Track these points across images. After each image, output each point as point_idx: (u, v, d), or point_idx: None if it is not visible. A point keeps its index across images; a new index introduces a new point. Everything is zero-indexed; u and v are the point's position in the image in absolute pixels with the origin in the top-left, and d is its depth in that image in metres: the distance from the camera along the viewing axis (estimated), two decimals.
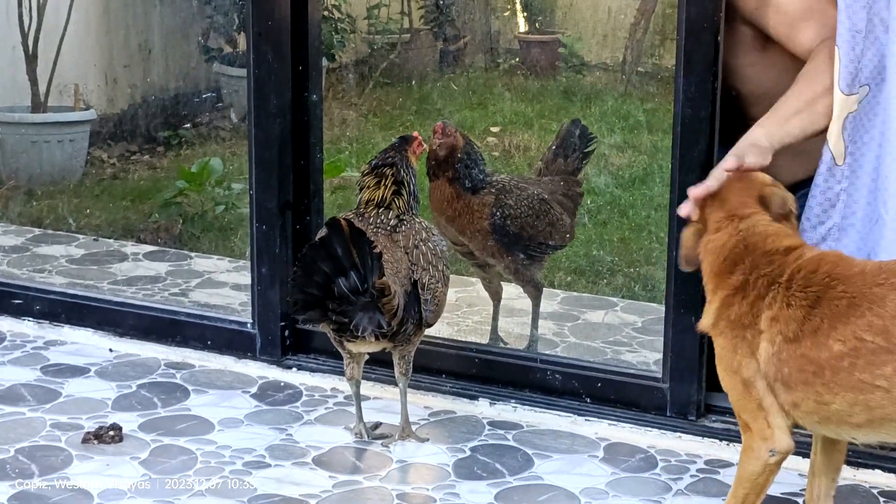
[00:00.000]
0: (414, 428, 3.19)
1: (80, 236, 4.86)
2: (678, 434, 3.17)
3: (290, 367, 3.56)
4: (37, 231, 4.93)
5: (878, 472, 2.98)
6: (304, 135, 3.53)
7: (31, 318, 3.88)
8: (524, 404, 3.33)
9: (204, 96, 6.16)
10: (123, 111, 5.93)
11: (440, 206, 3.57)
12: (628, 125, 5.30)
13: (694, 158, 3.08)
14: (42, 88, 5.52)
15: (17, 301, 3.91)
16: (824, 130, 2.90)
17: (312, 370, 3.54)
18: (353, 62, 6.46)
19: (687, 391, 3.18)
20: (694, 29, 3.02)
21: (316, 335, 3.50)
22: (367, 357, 3.18)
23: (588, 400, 3.30)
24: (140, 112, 5.93)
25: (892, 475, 2.98)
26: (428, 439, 3.16)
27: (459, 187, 3.54)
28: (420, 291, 3.04)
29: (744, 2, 3.07)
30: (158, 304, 3.96)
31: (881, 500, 2.90)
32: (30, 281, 4.21)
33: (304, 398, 3.41)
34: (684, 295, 3.14)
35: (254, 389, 3.46)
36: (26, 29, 5.43)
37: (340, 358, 3.15)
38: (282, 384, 3.49)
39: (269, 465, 3.02)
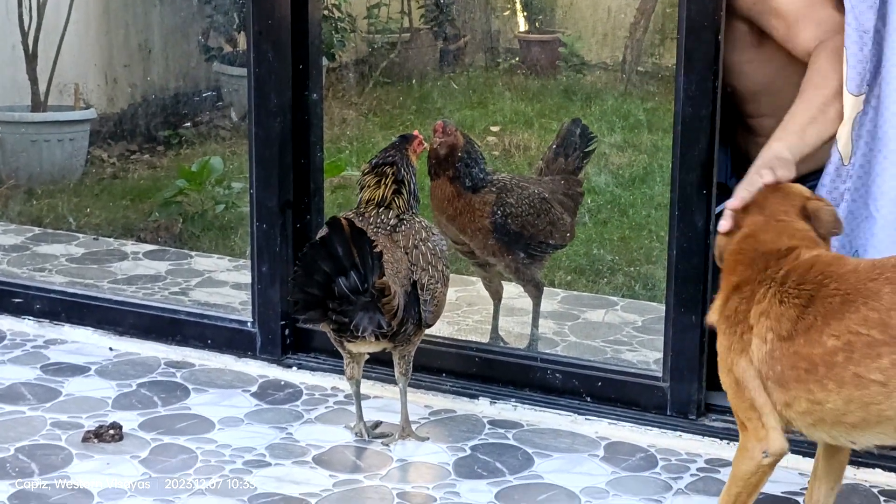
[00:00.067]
0: (414, 427, 3.19)
1: (81, 235, 4.86)
2: (678, 433, 3.17)
3: (290, 366, 3.56)
4: (37, 230, 4.93)
5: (878, 471, 2.98)
6: (305, 134, 3.53)
7: (31, 317, 3.87)
8: (524, 403, 3.33)
9: (204, 95, 6.16)
10: (123, 110, 5.93)
11: (441, 205, 3.57)
12: (628, 124, 5.30)
13: (694, 157, 3.08)
14: (42, 88, 5.52)
15: (17, 300, 3.90)
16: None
17: (313, 369, 3.54)
18: (353, 61, 6.46)
19: (687, 390, 3.18)
20: (694, 27, 3.02)
21: (316, 334, 3.50)
22: (367, 357, 3.18)
23: (588, 399, 3.30)
24: (140, 111, 5.93)
25: (892, 474, 2.98)
26: (428, 438, 3.16)
27: (460, 186, 3.54)
28: (419, 292, 3.04)
29: None
30: (158, 302, 3.96)
31: (881, 499, 2.90)
32: (30, 280, 4.21)
33: (304, 397, 3.41)
34: (685, 294, 3.13)
35: (254, 388, 3.46)
36: (26, 28, 5.43)
37: (341, 357, 3.15)
38: (282, 383, 3.49)
39: (270, 464, 3.01)
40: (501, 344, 3.77)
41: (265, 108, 3.49)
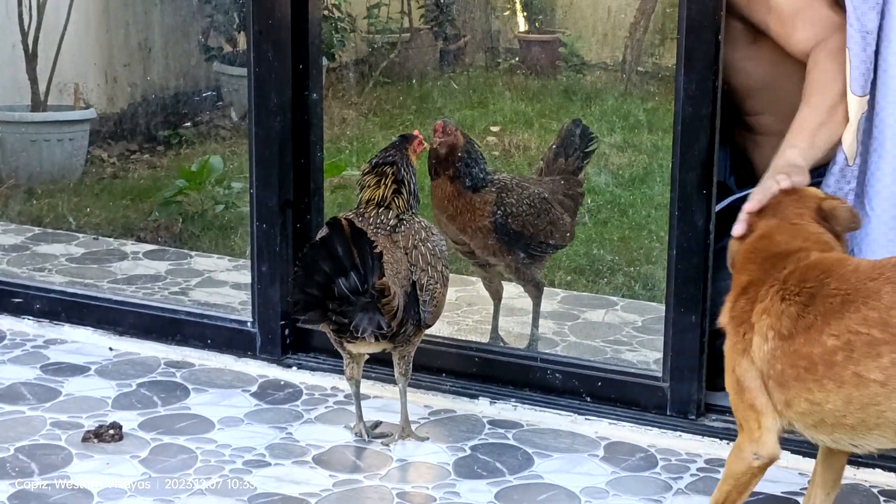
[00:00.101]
0: (414, 427, 3.19)
1: (80, 235, 4.86)
2: (678, 433, 3.17)
3: (290, 366, 3.56)
4: (37, 230, 4.93)
5: (878, 471, 2.98)
6: (305, 133, 3.53)
7: (30, 317, 3.87)
8: (524, 403, 3.32)
9: (204, 95, 6.15)
10: (123, 110, 5.93)
11: (441, 205, 3.57)
12: (628, 124, 5.30)
13: (694, 157, 3.08)
14: (42, 87, 5.52)
15: (16, 300, 3.90)
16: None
17: (312, 369, 3.54)
18: (353, 61, 6.45)
19: (687, 390, 3.18)
20: (694, 27, 3.02)
21: (316, 334, 3.50)
22: (366, 357, 3.18)
23: (588, 399, 3.30)
24: (140, 111, 5.93)
25: (892, 474, 2.98)
26: (428, 438, 3.16)
27: (460, 185, 3.54)
28: (418, 292, 3.04)
29: None
30: (158, 302, 3.96)
31: (881, 499, 2.90)
32: (30, 279, 4.21)
33: (304, 397, 3.41)
34: (684, 294, 3.13)
35: (254, 388, 3.45)
36: (26, 27, 5.42)
37: (340, 357, 3.15)
38: (282, 383, 3.49)
39: (269, 464, 3.01)
40: (501, 344, 3.76)
41: (265, 108, 3.49)
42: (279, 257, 3.53)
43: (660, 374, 3.24)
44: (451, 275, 3.22)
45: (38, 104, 5.51)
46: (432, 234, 3.17)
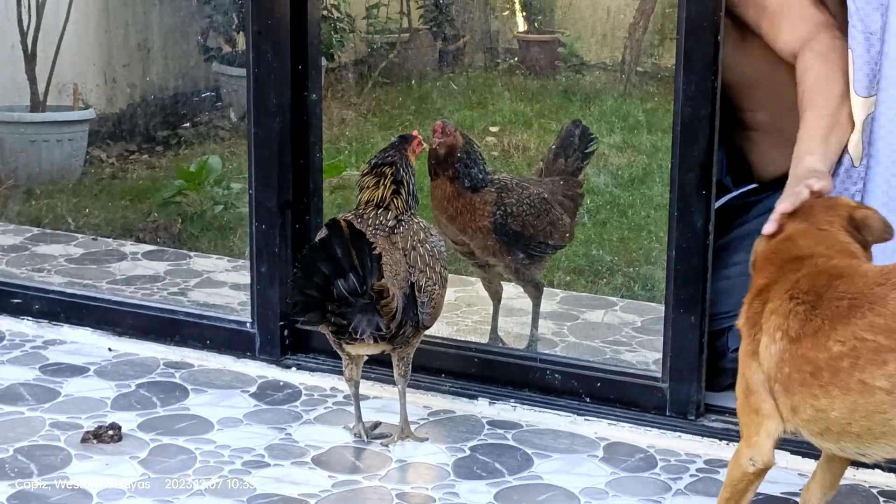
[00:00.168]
0: (413, 427, 3.19)
1: (79, 235, 4.86)
2: (678, 434, 3.17)
3: (289, 367, 3.56)
4: (35, 230, 4.92)
5: (877, 471, 2.98)
6: (304, 134, 3.52)
7: (29, 318, 3.87)
8: (524, 404, 3.32)
9: (203, 95, 6.15)
10: (122, 110, 5.92)
11: (441, 205, 3.57)
12: (628, 125, 5.30)
13: (694, 157, 3.07)
14: (41, 87, 5.51)
15: (15, 300, 3.90)
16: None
17: (312, 369, 3.54)
18: (352, 62, 6.45)
19: (686, 391, 3.18)
20: (694, 27, 3.02)
21: (315, 334, 3.49)
22: (365, 358, 3.18)
23: (587, 399, 3.30)
24: (139, 111, 5.92)
25: (892, 475, 2.98)
26: (427, 439, 3.16)
27: (460, 186, 3.54)
28: (416, 294, 3.04)
29: None
30: (157, 303, 3.96)
31: (881, 499, 2.90)
32: (28, 280, 4.21)
33: (303, 397, 3.40)
34: (684, 294, 3.13)
35: (253, 389, 3.45)
36: (25, 28, 5.42)
37: (340, 357, 3.15)
38: (281, 383, 3.49)
39: (269, 465, 3.01)
40: (501, 344, 3.76)
41: (264, 109, 3.48)
42: (278, 258, 3.53)
43: (659, 375, 3.23)
44: (450, 275, 3.22)
45: (37, 104, 5.51)
46: (431, 234, 3.17)
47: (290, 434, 3.18)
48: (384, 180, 3.17)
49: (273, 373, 3.54)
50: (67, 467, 2.97)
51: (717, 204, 3.20)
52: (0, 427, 3.17)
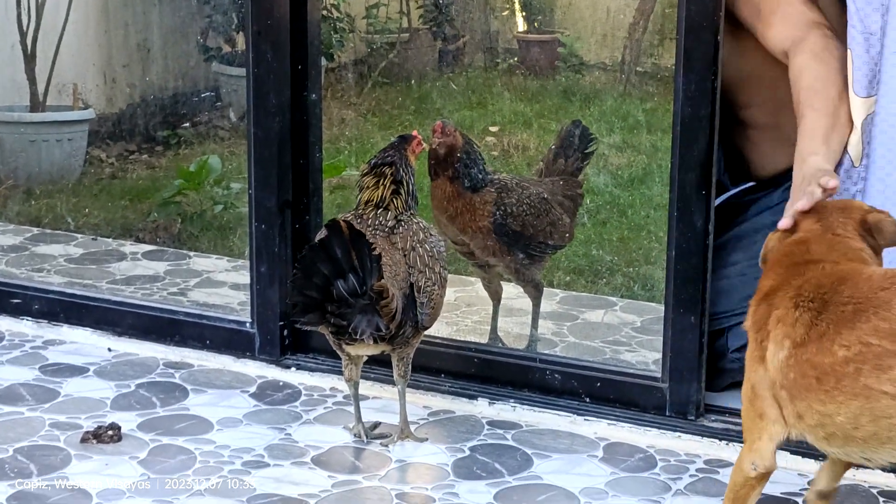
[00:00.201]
0: (413, 428, 3.19)
1: (79, 235, 4.86)
2: (677, 434, 3.17)
3: (288, 367, 3.56)
4: (35, 230, 4.92)
5: (877, 471, 2.98)
6: (304, 134, 3.52)
7: (29, 318, 3.87)
8: (523, 404, 3.32)
9: (203, 95, 6.15)
10: (122, 110, 5.92)
11: (441, 205, 3.56)
12: (627, 125, 5.29)
13: (693, 157, 3.07)
14: (41, 87, 5.51)
15: (15, 300, 3.90)
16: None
17: (311, 369, 3.53)
18: (351, 61, 6.44)
19: (686, 391, 3.18)
20: (693, 27, 3.02)
21: (315, 334, 3.49)
22: (365, 359, 3.17)
23: (587, 399, 3.30)
24: (139, 111, 5.92)
25: (891, 475, 2.97)
26: (427, 439, 3.16)
27: (460, 186, 3.54)
28: (416, 294, 3.04)
29: None
30: (157, 303, 3.95)
31: (881, 499, 2.90)
32: (28, 280, 4.21)
33: (302, 398, 3.40)
34: (683, 294, 3.13)
35: (252, 389, 3.45)
36: (25, 28, 5.42)
37: (339, 357, 3.15)
38: (281, 384, 3.49)
39: (268, 465, 3.01)
40: (500, 344, 3.76)
41: (264, 109, 3.48)
42: (278, 258, 3.53)
43: (659, 375, 3.23)
44: (450, 275, 3.22)
45: (36, 104, 5.51)
46: (430, 235, 3.17)
47: (289, 434, 3.18)
48: (384, 180, 3.17)
49: (273, 373, 3.54)
50: (67, 467, 2.97)
51: (716, 202, 3.20)
52: (0, 427, 3.17)
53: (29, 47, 5.45)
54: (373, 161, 3.21)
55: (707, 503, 2.87)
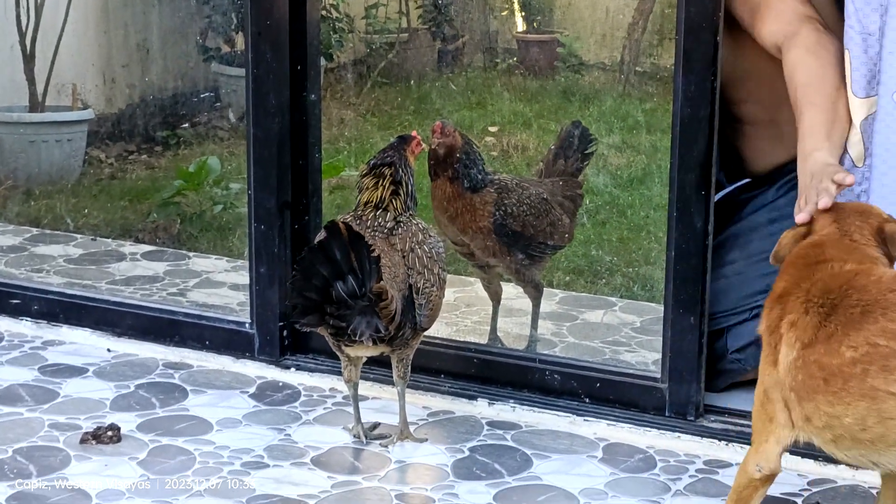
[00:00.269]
0: (412, 428, 3.18)
1: (78, 236, 4.86)
2: (677, 434, 3.16)
3: (288, 367, 3.56)
4: (34, 231, 4.92)
5: (878, 472, 2.98)
6: (303, 134, 3.52)
7: (28, 318, 3.87)
8: (523, 404, 3.32)
9: (202, 96, 6.15)
10: (121, 111, 5.92)
11: (441, 205, 3.56)
12: (627, 125, 5.29)
13: (693, 158, 3.07)
14: (40, 88, 5.51)
15: (14, 301, 3.90)
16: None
17: (311, 370, 3.53)
18: (351, 62, 6.44)
19: (686, 391, 3.18)
20: (693, 28, 3.02)
21: (314, 335, 3.49)
22: (364, 360, 3.17)
23: (587, 400, 3.30)
24: (138, 112, 5.92)
25: None
26: (426, 440, 3.16)
27: (460, 186, 3.54)
28: (414, 296, 3.04)
29: None
30: (156, 303, 3.95)
31: None
32: (28, 281, 4.21)
33: (302, 398, 3.40)
34: (683, 295, 3.13)
35: (252, 389, 3.45)
36: (24, 28, 5.42)
37: (339, 358, 3.15)
38: (280, 384, 3.49)
39: (268, 466, 3.01)
40: (500, 345, 3.76)
41: (263, 109, 3.48)
42: (277, 258, 3.53)
43: (658, 375, 3.23)
44: (449, 276, 3.22)
45: (36, 105, 5.51)
46: (429, 235, 3.16)
47: (289, 435, 3.18)
48: (383, 181, 3.17)
49: (272, 373, 3.54)
50: (66, 468, 2.97)
51: (722, 195, 3.20)
52: None
53: (28, 47, 5.45)
54: (372, 162, 3.21)
55: (707, 503, 2.87)
